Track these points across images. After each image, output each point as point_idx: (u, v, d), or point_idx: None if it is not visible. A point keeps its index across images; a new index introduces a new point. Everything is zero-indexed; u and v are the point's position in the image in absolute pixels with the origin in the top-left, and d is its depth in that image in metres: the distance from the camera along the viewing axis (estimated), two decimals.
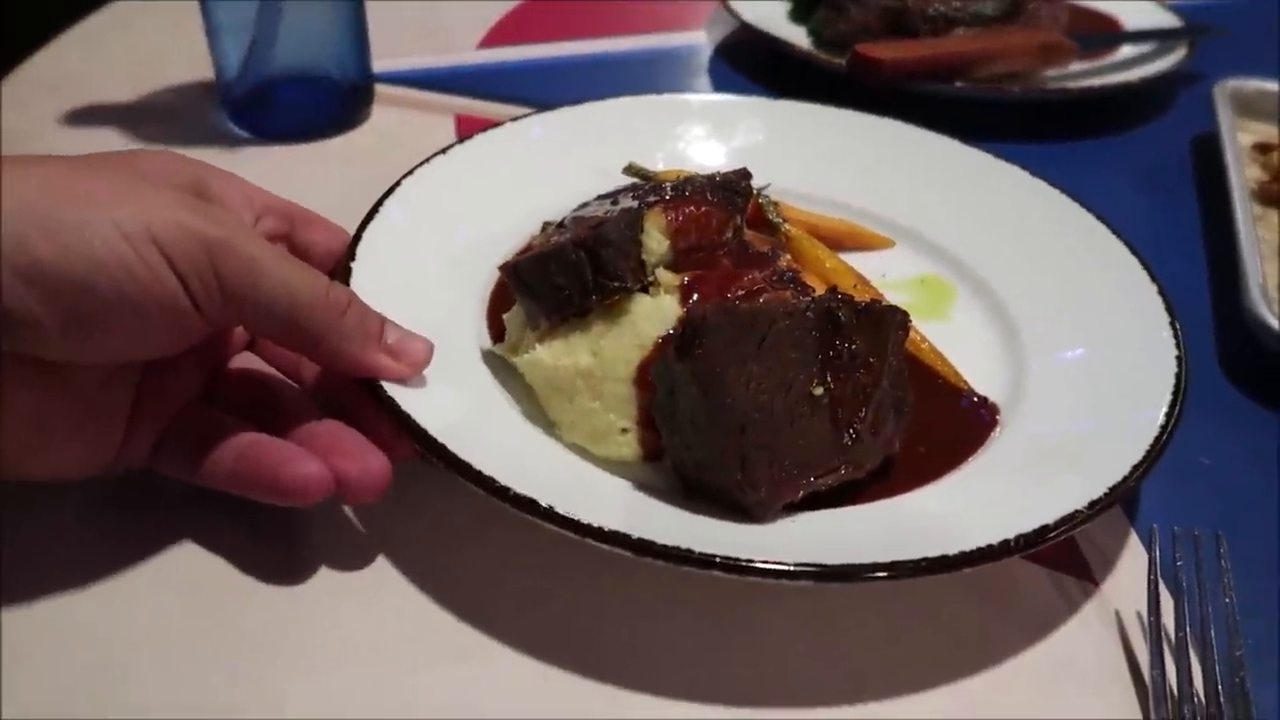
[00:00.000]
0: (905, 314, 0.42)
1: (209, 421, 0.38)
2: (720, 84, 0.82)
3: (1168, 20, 0.89)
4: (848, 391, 0.40)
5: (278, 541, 0.40)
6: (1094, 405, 0.44)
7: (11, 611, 0.36)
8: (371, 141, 0.69)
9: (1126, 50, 0.84)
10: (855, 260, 0.56)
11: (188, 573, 0.39)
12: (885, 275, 0.55)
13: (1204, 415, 0.50)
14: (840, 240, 0.57)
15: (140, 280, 0.32)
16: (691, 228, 0.46)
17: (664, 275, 0.45)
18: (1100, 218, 0.55)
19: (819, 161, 0.61)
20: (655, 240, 0.45)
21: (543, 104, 0.68)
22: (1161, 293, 0.49)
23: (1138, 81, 0.75)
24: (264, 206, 0.43)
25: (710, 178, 0.49)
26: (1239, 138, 0.74)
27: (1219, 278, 0.61)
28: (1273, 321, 0.51)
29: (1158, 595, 0.39)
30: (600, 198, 0.51)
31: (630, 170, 0.57)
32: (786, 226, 0.55)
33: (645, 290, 0.44)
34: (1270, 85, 0.75)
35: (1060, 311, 0.51)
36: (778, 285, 0.44)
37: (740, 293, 0.44)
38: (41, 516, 0.39)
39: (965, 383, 0.48)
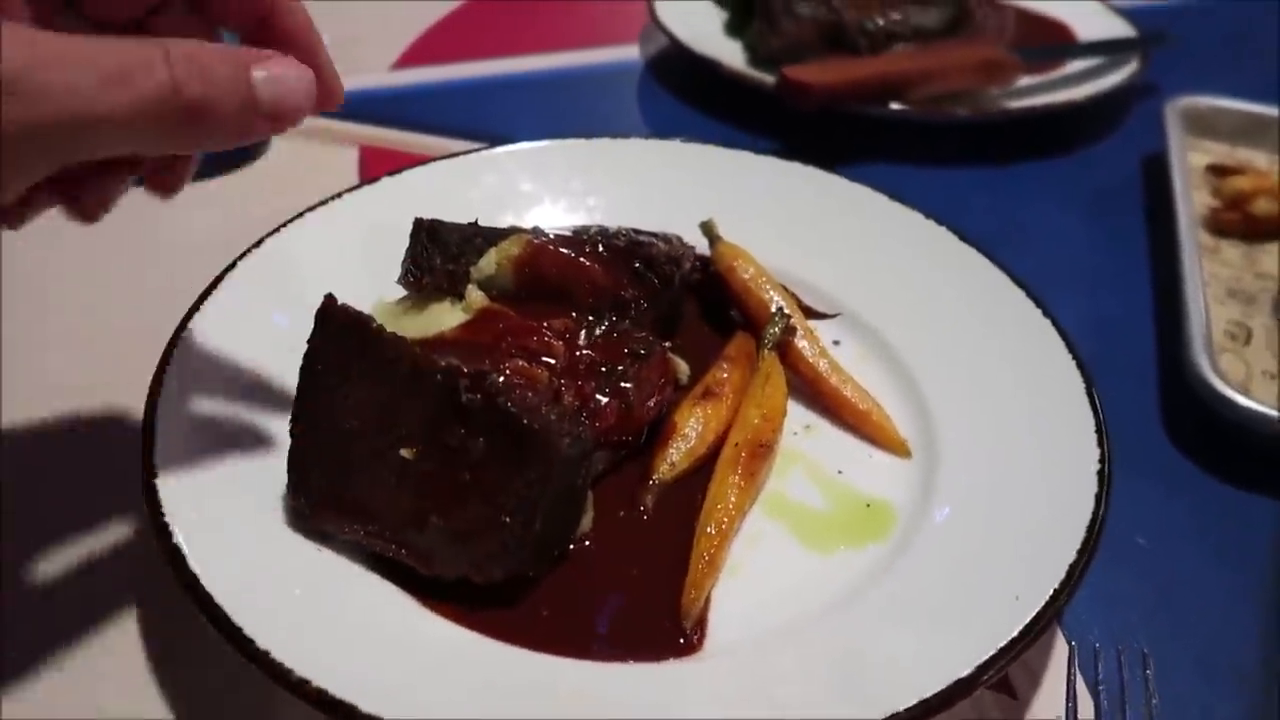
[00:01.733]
0: (587, 449, 0.37)
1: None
2: (649, 105, 0.78)
3: (1120, 28, 0.84)
4: (443, 481, 0.36)
5: None
6: (1008, 521, 0.39)
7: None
8: (258, 181, 0.64)
9: (1076, 62, 0.80)
10: None
11: None
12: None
13: (1142, 481, 0.46)
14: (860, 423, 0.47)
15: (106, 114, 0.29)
16: (548, 269, 0.44)
17: (473, 294, 0.44)
18: (1018, 281, 0.49)
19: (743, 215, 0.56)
20: (489, 260, 0.44)
21: (459, 132, 0.64)
22: (1085, 378, 0.44)
23: (1085, 100, 0.71)
24: None
25: (638, 244, 0.45)
26: (1192, 158, 0.70)
27: (1164, 320, 0.57)
28: (1216, 382, 0.47)
29: (1076, 714, 0.36)
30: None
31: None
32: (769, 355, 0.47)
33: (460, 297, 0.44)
34: (1224, 103, 0.72)
35: (973, 395, 0.46)
36: (567, 372, 0.40)
37: (503, 343, 0.41)
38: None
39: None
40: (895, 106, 0.68)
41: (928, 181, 0.69)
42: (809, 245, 0.54)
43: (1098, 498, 0.38)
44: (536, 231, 0.45)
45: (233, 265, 0.46)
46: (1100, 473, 0.39)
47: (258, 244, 0.48)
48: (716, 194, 0.57)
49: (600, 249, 0.45)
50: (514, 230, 0.46)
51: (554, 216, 0.55)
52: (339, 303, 0.38)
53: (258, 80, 0.32)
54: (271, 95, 0.33)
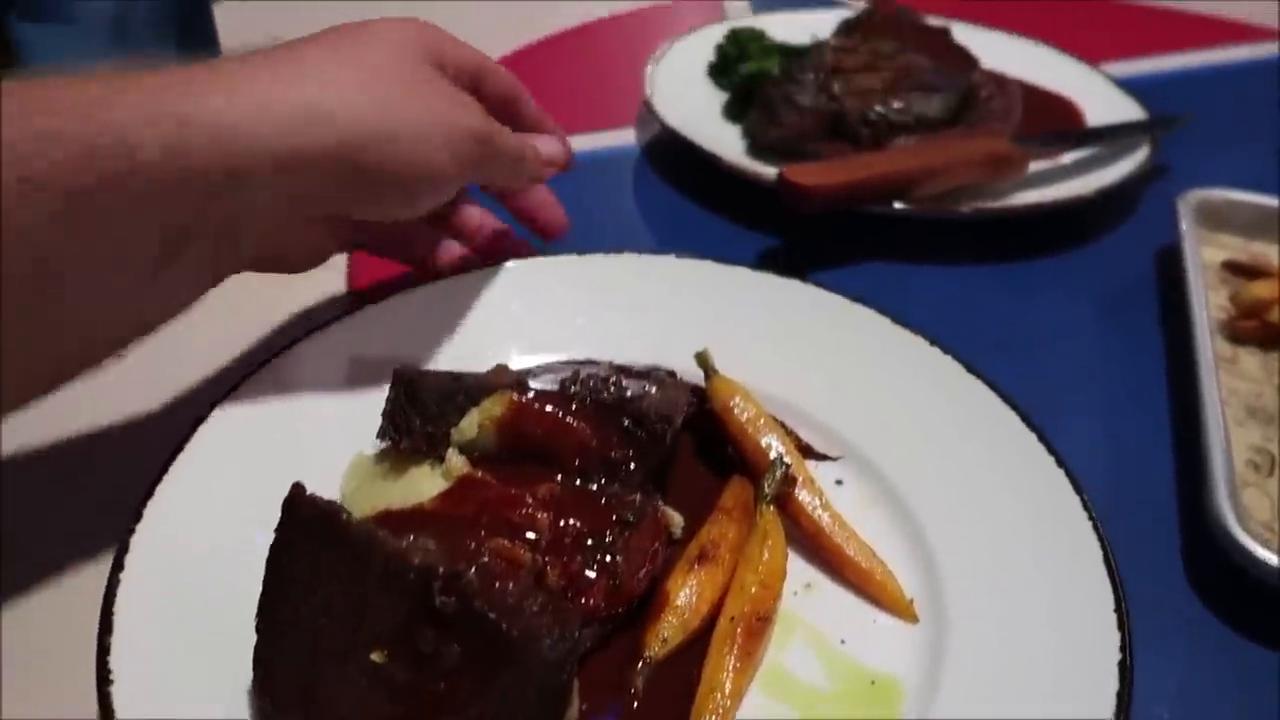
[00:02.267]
0: (571, 645, 0.34)
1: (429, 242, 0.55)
2: (645, 193, 0.76)
3: (1128, 108, 0.82)
4: (416, 689, 0.33)
5: None
6: (1018, 707, 0.37)
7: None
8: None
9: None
10: None
11: None
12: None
13: (1163, 641, 0.44)
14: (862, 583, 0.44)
15: (446, 172, 0.45)
16: (533, 430, 0.42)
17: (453, 459, 0.42)
18: (1032, 426, 0.47)
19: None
20: (471, 422, 0.42)
21: None
22: (1102, 544, 0.41)
23: (1094, 194, 0.69)
24: (479, 68, 0.51)
25: (627, 399, 0.43)
26: (1206, 253, 0.67)
27: (1183, 444, 0.54)
28: (1239, 534, 0.45)
29: None
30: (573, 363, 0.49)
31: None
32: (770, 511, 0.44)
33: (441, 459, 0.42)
34: (1238, 196, 0.69)
35: (983, 552, 0.43)
36: (549, 544, 0.38)
37: (484, 517, 0.38)
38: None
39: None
40: (899, 206, 0.66)
41: (933, 278, 0.67)
42: (809, 374, 0.52)
43: (1119, 697, 0.35)
44: (521, 384, 0.43)
45: (203, 418, 0.44)
46: (1121, 663, 0.37)
47: (232, 389, 0.46)
48: (712, 315, 0.55)
49: (588, 403, 0.42)
50: (497, 384, 0.43)
51: (544, 338, 0.53)
52: (307, 492, 0.35)
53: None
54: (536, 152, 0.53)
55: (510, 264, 0.56)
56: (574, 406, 0.42)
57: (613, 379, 0.45)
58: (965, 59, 0.82)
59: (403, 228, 0.50)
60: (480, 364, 0.49)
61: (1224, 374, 0.58)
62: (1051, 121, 0.82)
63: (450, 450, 0.41)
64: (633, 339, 0.54)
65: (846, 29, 0.83)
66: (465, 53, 0.50)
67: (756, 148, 0.76)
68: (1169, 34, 1.11)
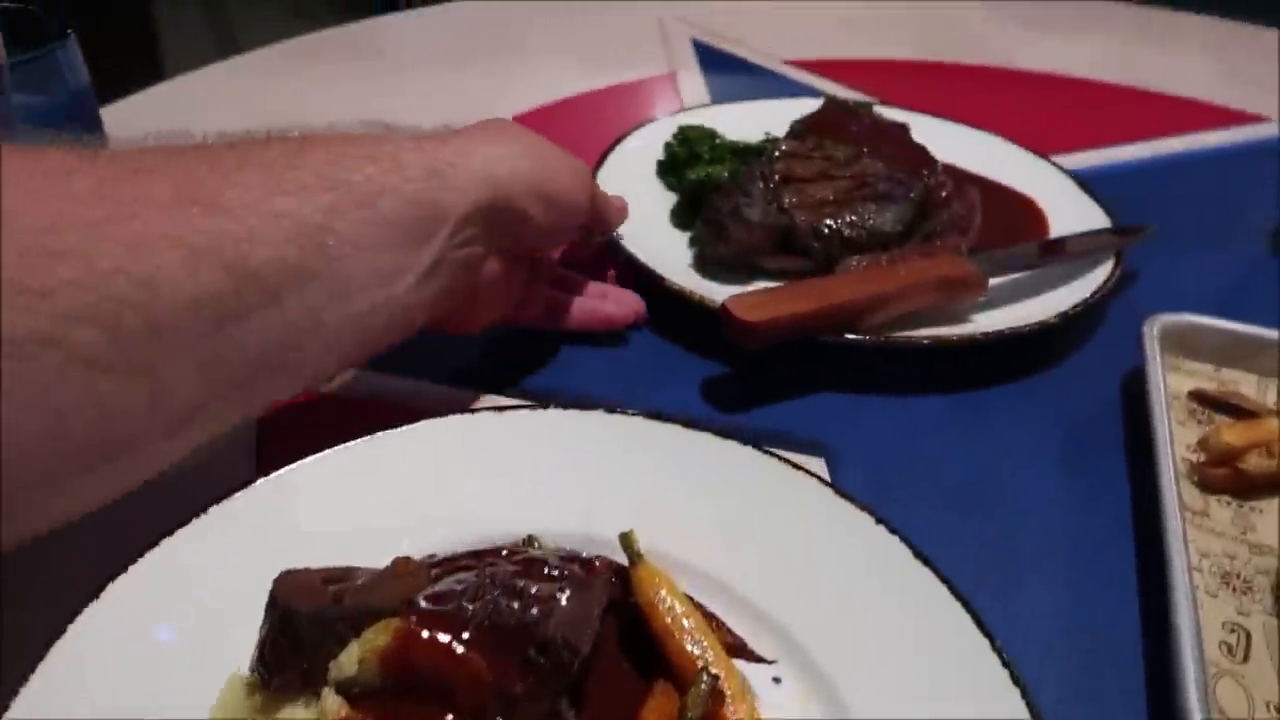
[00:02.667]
0: None
1: (544, 292, 0.65)
2: None
3: (1092, 212, 0.79)
4: None
5: None
6: None
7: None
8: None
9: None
10: None
11: None
12: None
13: None
14: None
15: (583, 201, 0.57)
16: (422, 662, 0.37)
17: (328, 700, 0.36)
18: (986, 632, 0.42)
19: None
20: (351, 656, 0.37)
21: None
22: None
23: (1057, 319, 0.65)
24: None
25: (530, 623, 0.38)
26: (1174, 381, 0.64)
27: (1153, 617, 0.50)
28: None
29: None
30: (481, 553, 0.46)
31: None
32: None
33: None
34: (1206, 321, 0.66)
35: None
36: None
37: None
38: None
39: None
40: (851, 336, 0.62)
41: (886, 410, 0.63)
42: (747, 552, 0.48)
43: None
44: (411, 604, 0.38)
45: (59, 634, 0.39)
46: None
47: (96, 593, 0.41)
48: (645, 480, 0.50)
49: (486, 625, 0.38)
50: (388, 598, 0.39)
51: (458, 508, 0.49)
52: None
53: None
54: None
55: (423, 425, 0.51)
56: (469, 633, 0.37)
57: (520, 585, 0.40)
58: (924, 159, 0.79)
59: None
60: (385, 545, 0.45)
61: (1194, 531, 0.55)
62: (1013, 227, 0.79)
63: (326, 690, 0.36)
64: (558, 507, 0.49)
65: (798, 131, 0.79)
66: None
67: (703, 260, 0.72)
68: (1136, 117, 1.09)
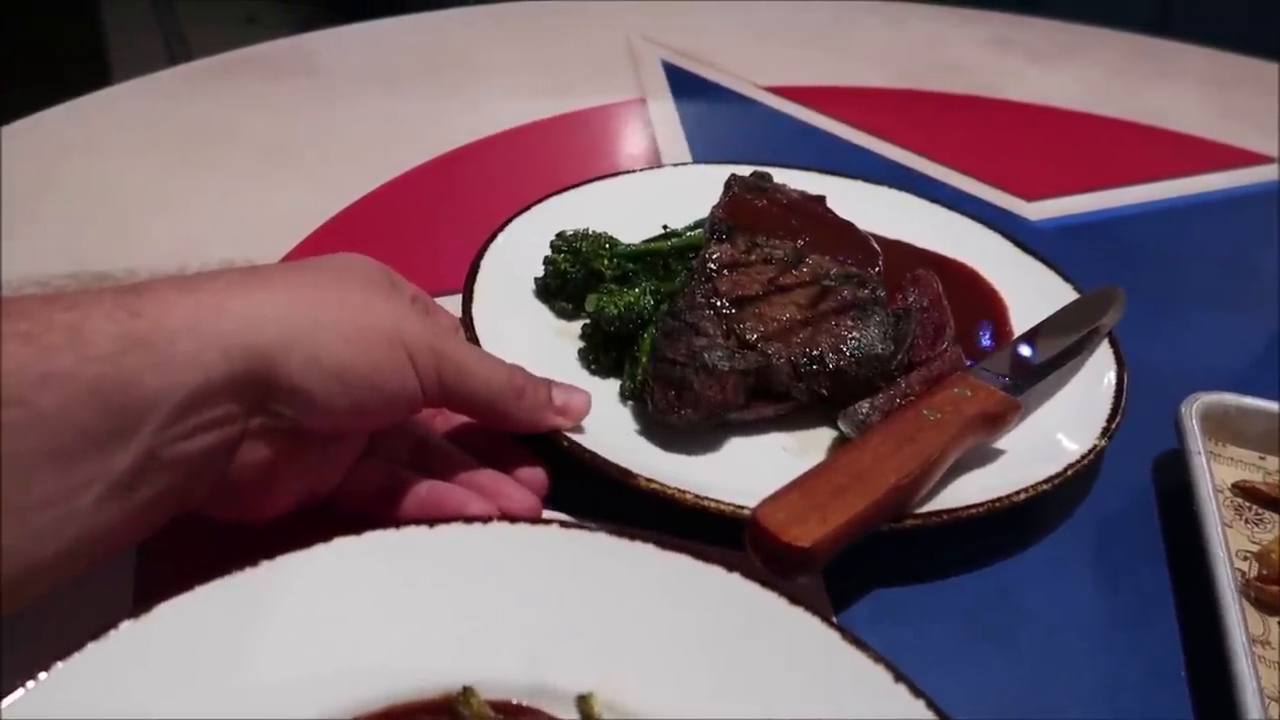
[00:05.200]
0: None
1: (383, 471, 0.47)
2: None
3: (1034, 271, 0.70)
4: None
5: None
6: None
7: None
8: None
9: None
10: None
11: None
12: None
13: None
14: None
15: (398, 377, 0.42)
16: None
17: None
18: None
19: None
20: None
21: None
22: None
23: (1103, 442, 0.54)
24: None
25: None
26: (1215, 471, 0.56)
27: None
28: None
29: None
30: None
31: None
32: None
33: None
34: (1250, 403, 0.58)
35: None
36: None
37: None
38: None
39: None
40: (911, 523, 0.48)
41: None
42: (732, 708, 0.38)
43: None
44: None
45: None
46: None
47: None
48: (604, 616, 0.41)
49: None
50: None
51: (374, 653, 0.40)
52: None
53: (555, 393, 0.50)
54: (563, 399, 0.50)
55: (336, 543, 0.41)
56: None
57: None
58: (859, 242, 0.66)
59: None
60: (277, 707, 0.36)
61: (1260, 667, 0.46)
62: (968, 311, 0.66)
63: None
64: (501, 649, 0.40)
65: (722, 231, 0.62)
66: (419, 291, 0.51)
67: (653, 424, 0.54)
68: (1129, 154, 1.02)
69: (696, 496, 0.47)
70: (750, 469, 0.46)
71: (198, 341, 0.37)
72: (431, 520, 0.43)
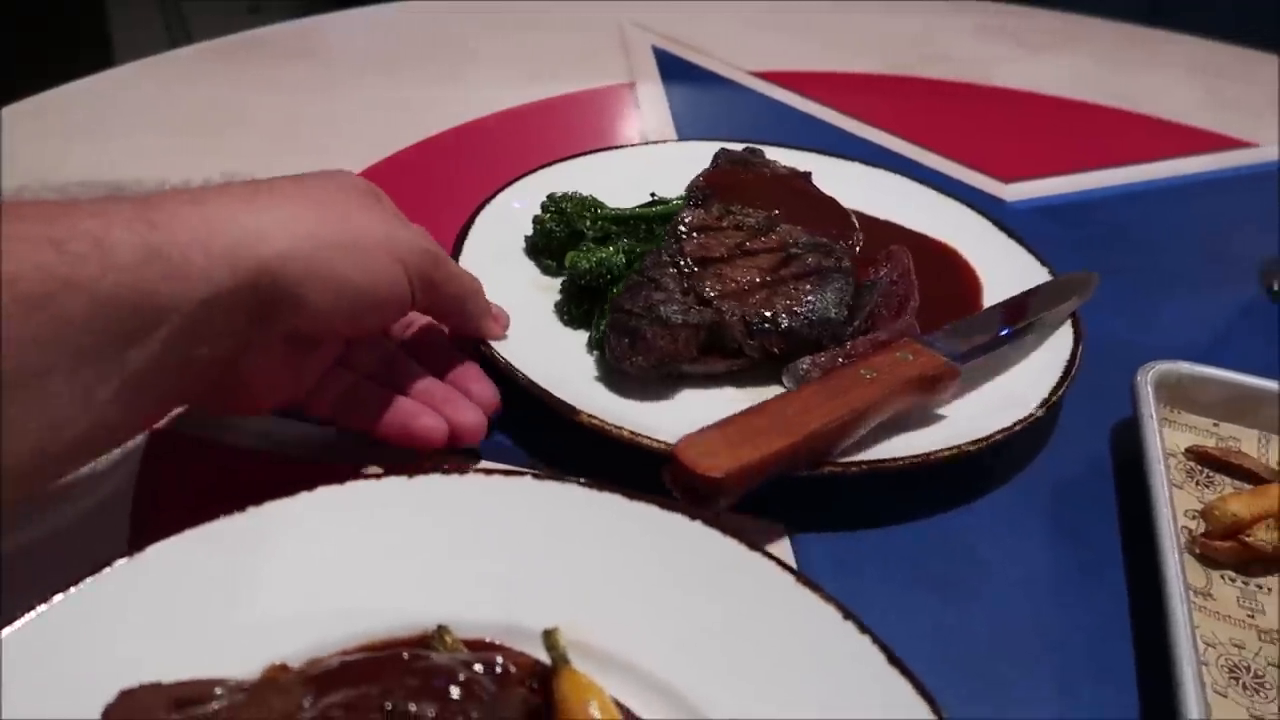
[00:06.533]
0: None
1: (349, 380, 0.51)
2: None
3: (1015, 254, 0.72)
4: None
5: None
6: None
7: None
8: None
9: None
10: None
11: None
12: None
13: None
14: None
15: (392, 286, 0.46)
16: None
17: None
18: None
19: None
20: None
21: None
22: None
23: (1041, 413, 0.56)
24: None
25: None
26: (1169, 438, 0.58)
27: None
28: None
29: None
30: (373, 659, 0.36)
31: None
32: None
33: None
34: (1204, 371, 0.60)
35: None
36: None
37: None
38: None
39: None
40: (831, 470, 0.51)
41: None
42: (695, 648, 0.41)
43: None
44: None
45: None
46: None
47: None
48: (573, 559, 0.43)
49: None
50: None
51: (352, 595, 0.42)
52: None
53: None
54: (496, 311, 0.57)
55: (320, 492, 0.44)
56: None
57: (414, 711, 0.33)
58: (838, 216, 0.69)
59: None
60: (262, 644, 0.38)
61: (1199, 615, 0.49)
62: (943, 287, 0.69)
63: None
64: (476, 591, 0.43)
65: (699, 197, 0.66)
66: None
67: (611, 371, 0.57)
68: (1116, 140, 1.04)
69: (632, 433, 0.50)
70: (694, 419, 0.49)
71: (208, 255, 0.39)
72: (411, 470, 0.45)
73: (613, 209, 0.68)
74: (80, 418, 0.38)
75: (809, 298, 0.58)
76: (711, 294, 0.57)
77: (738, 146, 0.76)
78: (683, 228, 0.62)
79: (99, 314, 0.36)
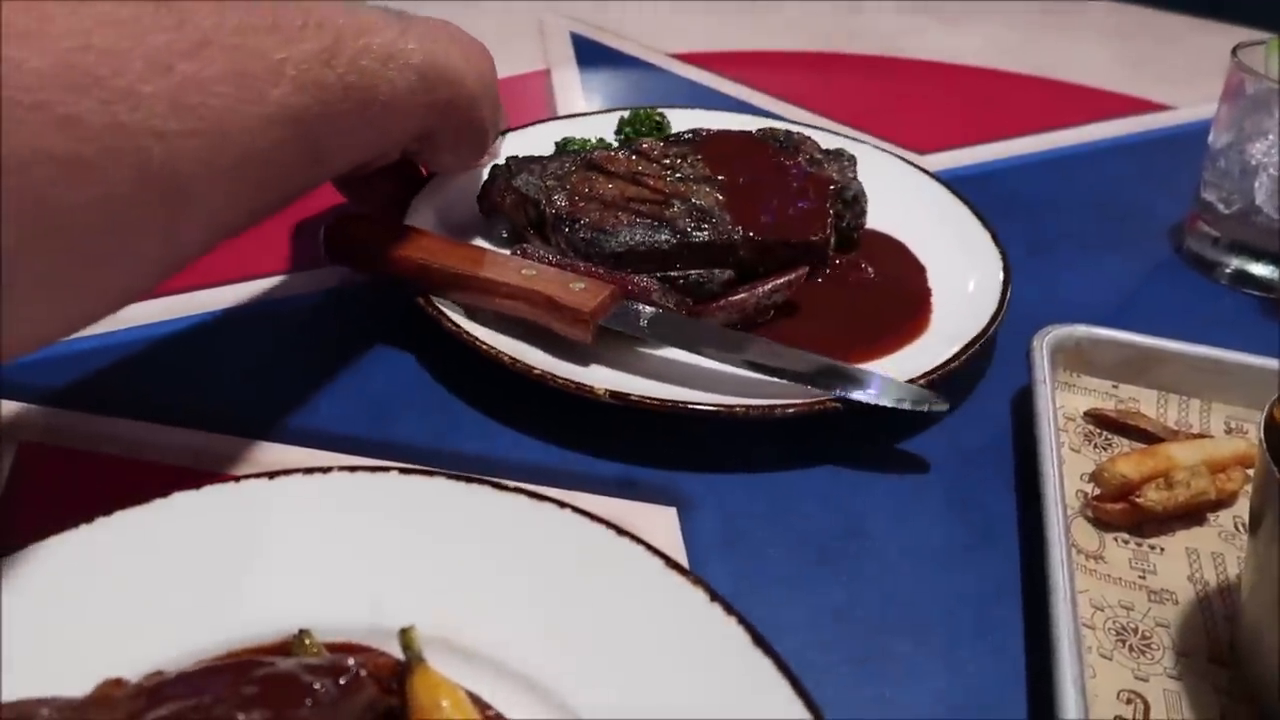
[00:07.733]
0: None
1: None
2: (342, 349, 0.62)
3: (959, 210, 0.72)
4: None
5: None
6: None
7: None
8: None
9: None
10: None
11: None
12: None
13: None
14: None
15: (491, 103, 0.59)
16: None
17: None
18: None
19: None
20: None
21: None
22: None
23: (937, 375, 0.56)
24: None
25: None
26: (1069, 401, 0.58)
27: (1042, 697, 0.43)
28: None
29: None
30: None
31: None
32: None
33: None
34: (1103, 333, 0.59)
35: None
36: None
37: None
38: None
39: None
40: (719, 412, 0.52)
41: (748, 445, 0.55)
42: (563, 643, 0.40)
43: None
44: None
45: None
46: None
47: None
48: (440, 556, 0.42)
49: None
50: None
51: (211, 600, 0.41)
52: None
53: None
54: None
55: (177, 498, 0.42)
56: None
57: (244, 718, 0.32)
58: (812, 222, 0.65)
59: None
60: (106, 657, 0.37)
61: (1089, 579, 0.48)
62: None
63: None
64: (340, 592, 0.41)
65: (679, 135, 0.70)
66: None
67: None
68: (1031, 107, 1.04)
69: (512, 359, 0.54)
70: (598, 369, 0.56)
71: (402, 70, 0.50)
72: (271, 472, 0.44)
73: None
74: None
75: (619, 231, 0.60)
76: (551, 184, 0.63)
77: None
78: (630, 147, 0.67)
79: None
